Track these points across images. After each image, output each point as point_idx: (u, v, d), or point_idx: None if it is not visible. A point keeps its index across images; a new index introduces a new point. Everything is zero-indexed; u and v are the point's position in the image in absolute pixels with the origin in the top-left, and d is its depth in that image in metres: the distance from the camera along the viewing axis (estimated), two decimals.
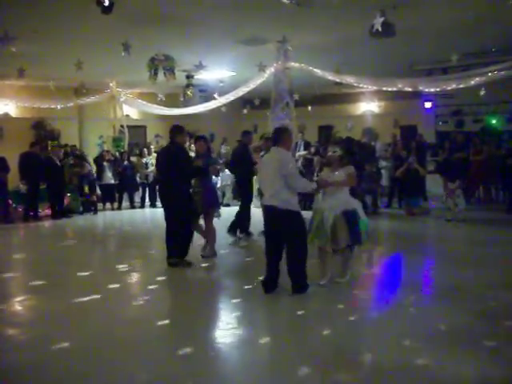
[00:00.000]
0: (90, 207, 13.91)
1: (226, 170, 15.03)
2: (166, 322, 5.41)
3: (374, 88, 13.87)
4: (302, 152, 13.68)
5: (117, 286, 6.94)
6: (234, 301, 5.86)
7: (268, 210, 5.94)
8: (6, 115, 16.03)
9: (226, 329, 5.10)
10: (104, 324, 5.42)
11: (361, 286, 6.34)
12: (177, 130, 7.55)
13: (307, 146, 14.04)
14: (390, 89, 12.39)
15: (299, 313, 5.36)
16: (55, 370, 4.29)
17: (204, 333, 5.01)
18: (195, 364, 4.30)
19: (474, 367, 4.09)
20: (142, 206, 14.77)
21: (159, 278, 7.04)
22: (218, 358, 4.45)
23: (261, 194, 7.69)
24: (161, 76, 11.72)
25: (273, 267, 5.93)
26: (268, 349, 4.64)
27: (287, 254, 5.86)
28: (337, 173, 6.21)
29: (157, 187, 11.10)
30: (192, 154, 9.06)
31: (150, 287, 6.67)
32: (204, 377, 4.08)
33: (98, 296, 6.45)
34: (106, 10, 7.31)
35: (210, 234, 7.99)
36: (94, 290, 6.63)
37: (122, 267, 7.74)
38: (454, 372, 4.03)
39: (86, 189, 14.06)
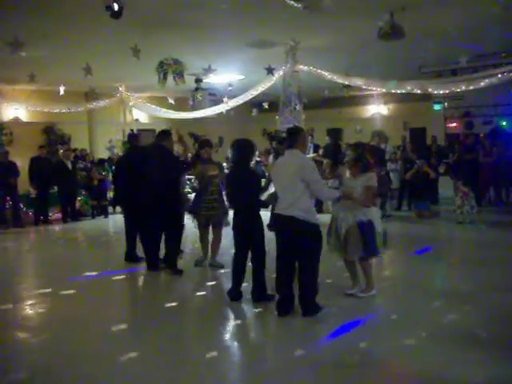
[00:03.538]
0: (101, 211, 13.99)
1: None
2: (177, 326, 5.45)
3: (383, 90, 13.86)
4: (311, 154, 13.66)
5: (124, 288, 6.98)
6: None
7: (284, 221, 5.33)
8: (17, 120, 16.14)
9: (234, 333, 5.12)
10: (114, 327, 5.44)
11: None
12: (163, 135, 7.56)
13: (316, 148, 14.02)
14: (399, 91, 12.36)
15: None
16: (66, 373, 4.31)
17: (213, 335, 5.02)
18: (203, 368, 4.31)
19: (482, 368, 4.08)
20: None
21: (166, 281, 7.06)
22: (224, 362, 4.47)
23: None
24: (170, 80, 11.75)
25: (288, 285, 5.44)
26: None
27: (301, 272, 5.37)
28: (359, 180, 5.81)
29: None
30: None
31: (157, 290, 6.70)
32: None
33: (107, 299, 6.49)
34: (116, 15, 7.34)
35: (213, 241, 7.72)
36: (102, 292, 6.67)
37: (130, 270, 7.78)
38: (461, 373, 4.02)
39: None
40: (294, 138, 5.48)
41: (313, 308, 5.35)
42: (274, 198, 5.96)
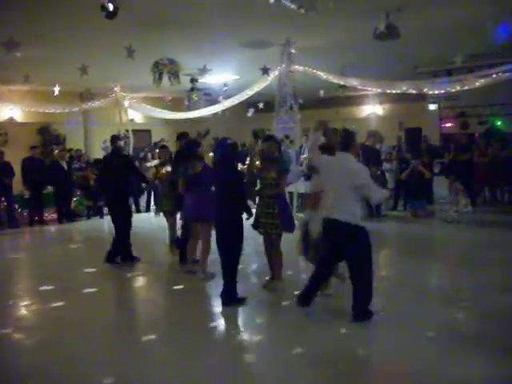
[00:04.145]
0: (96, 211, 13.94)
1: None
2: (174, 326, 5.44)
3: (378, 90, 13.86)
4: (306, 155, 13.65)
5: (121, 289, 6.96)
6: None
7: (333, 224, 5.23)
8: (12, 120, 16.09)
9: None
10: (110, 328, 5.43)
11: None
12: (178, 137, 8.37)
13: None
14: (394, 91, 12.37)
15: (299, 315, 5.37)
16: (61, 373, 4.30)
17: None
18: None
19: (478, 368, 4.09)
20: (148, 210, 14.77)
21: (163, 281, 7.05)
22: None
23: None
24: (165, 80, 11.73)
25: (318, 283, 5.49)
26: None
27: (354, 278, 5.28)
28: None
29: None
30: None
31: (156, 290, 6.68)
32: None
33: (103, 300, 6.47)
34: (110, 15, 7.32)
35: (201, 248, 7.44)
36: (98, 293, 6.65)
37: (125, 270, 7.77)
38: (457, 373, 4.03)
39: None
40: (348, 141, 5.38)
41: (364, 314, 5.23)
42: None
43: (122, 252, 8.25)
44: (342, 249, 5.25)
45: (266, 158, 6.44)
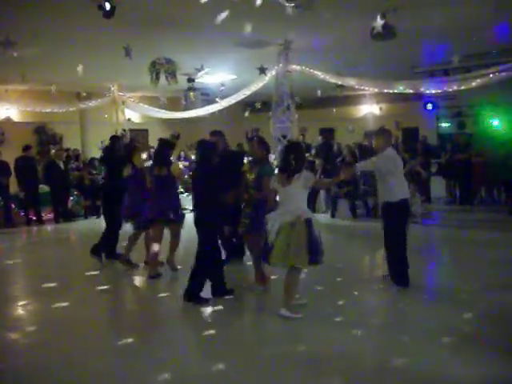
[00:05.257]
0: (93, 211, 13.92)
1: None
2: (174, 326, 5.44)
3: (375, 90, 13.88)
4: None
5: (119, 289, 6.95)
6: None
7: (404, 204, 6.22)
8: (8, 120, 16.05)
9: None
10: (105, 328, 5.42)
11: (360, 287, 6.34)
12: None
13: (308, 148, 14.03)
14: (391, 91, 12.40)
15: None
16: (58, 374, 4.29)
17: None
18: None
19: (474, 368, 4.08)
20: None
21: (159, 282, 7.04)
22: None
23: None
24: (162, 80, 11.73)
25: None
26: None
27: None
28: None
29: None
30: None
31: (150, 291, 6.68)
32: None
33: (102, 299, 6.47)
34: (108, 14, 7.31)
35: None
36: (96, 293, 6.64)
37: (121, 271, 7.76)
38: (454, 373, 4.03)
39: None
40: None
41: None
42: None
43: (108, 249, 8.21)
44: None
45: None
